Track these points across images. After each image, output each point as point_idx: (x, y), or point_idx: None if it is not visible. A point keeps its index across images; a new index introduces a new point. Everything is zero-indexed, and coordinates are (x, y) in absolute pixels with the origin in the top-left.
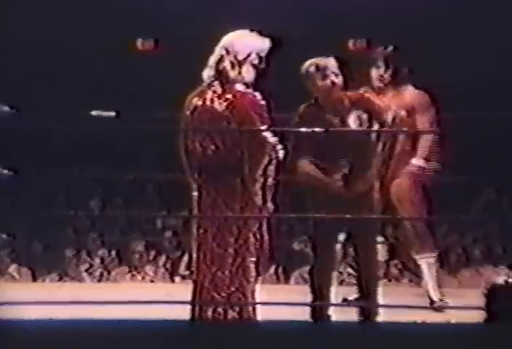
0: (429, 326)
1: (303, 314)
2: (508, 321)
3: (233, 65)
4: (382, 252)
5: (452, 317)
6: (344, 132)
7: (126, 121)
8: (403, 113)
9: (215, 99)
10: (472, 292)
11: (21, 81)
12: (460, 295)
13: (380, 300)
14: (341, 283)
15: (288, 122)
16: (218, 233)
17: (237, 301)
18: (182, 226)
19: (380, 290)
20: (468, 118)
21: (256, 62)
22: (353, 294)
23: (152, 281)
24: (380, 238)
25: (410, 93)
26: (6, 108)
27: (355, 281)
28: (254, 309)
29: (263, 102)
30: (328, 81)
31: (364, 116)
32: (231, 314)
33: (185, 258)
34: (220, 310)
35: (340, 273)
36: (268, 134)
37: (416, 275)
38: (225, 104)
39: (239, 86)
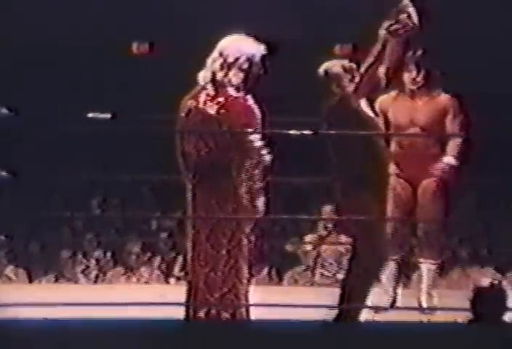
0: (418, 326)
1: (298, 314)
2: (492, 322)
3: (221, 68)
4: None
5: (439, 317)
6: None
7: (121, 123)
8: (436, 117)
9: (208, 101)
10: (458, 294)
11: (19, 83)
12: (447, 296)
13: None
14: None
15: (283, 126)
16: (211, 234)
17: (230, 303)
18: (177, 227)
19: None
20: None
21: (245, 66)
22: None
23: (147, 283)
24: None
25: (443, 97)
26: (4, 110)
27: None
28: (247, 310)
29: (254, 106)
30: (353, 83)
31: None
32: (224, 315)
33: (180, 259)
34: (213, 311)
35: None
36: (254, 138)
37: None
38: (216, 107)
39: (231, 90)
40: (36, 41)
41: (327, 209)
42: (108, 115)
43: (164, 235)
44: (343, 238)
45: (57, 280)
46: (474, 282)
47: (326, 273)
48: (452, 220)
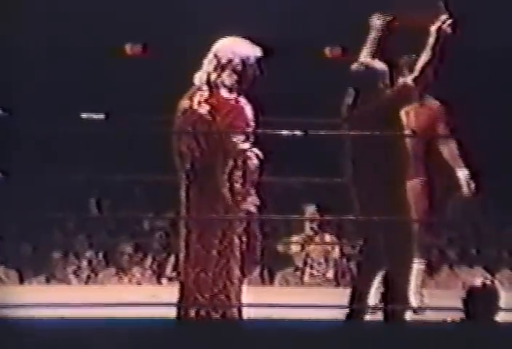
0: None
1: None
2: (484, 321)
3: (215, 69)
4: None
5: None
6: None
7: (114, 124)
8: (427, 121)
9: (202, 102)
10: (449, 293)
11: (12, 83)
12: (437, 296)
13: None
14: None
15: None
16: (203, 234)
17: (221, 303)
18: (170, 228)
19: None
20: None
21: (239, 68)
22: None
23: (139, 283)
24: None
25: (433, 103)
26: None
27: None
28: (239, 310)
29: (246, 107)
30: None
31: None
32: (215, 315)
33: (172, 260)
34: (202, 312)
35: None
36: (239, 140)
37: None
38: (208, 108)
39: (224, 91)
40: (29, 41)
41: (311, 210)
42: (102, 116)
43: (156, 235)
44: (328, 238)
45: (48, 281)
46: (464, 282)
47: (315, 272)
48: (442, 220)
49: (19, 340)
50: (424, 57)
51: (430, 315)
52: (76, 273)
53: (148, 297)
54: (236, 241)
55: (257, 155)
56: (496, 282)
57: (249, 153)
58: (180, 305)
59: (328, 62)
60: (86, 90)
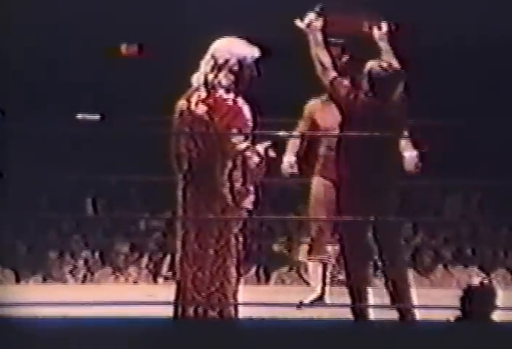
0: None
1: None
2: (480, 320)
3: (212, 69)
4: (302, 252)
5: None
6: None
7: (110, 124)
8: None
9: (199, 103)
10: (445, 292)
11: (6, 84)
12: (433, 295)
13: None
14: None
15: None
16: (199, 233)
17: (218, 302)
18: (166, 228)
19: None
20: (439, 123)
21: (235, 68)
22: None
23: (135, 282)
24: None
25: None
26: None
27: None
28: (235, 309)
29: (244, 108)
30: None
31: None
32: (212, 314)
33: (168, 259)
34: (200, 310)
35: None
36: (237, 140)
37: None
38: (205, 108)
39: (221, 91)
40: (24, 42)
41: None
42: (97, 117)
43: (152, 235)
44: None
45: (45, 280)
46: (459, 281)
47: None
48: (438, 220)
49: (16, 339)
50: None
51: (427, 315)
52: (72, 273)
53: (144, 296)
54: (233, 240)
55: (257, 153)
56: (493, 281)
57: (248, 152)
58: (177, 303)
59: None
60: (81, 91)
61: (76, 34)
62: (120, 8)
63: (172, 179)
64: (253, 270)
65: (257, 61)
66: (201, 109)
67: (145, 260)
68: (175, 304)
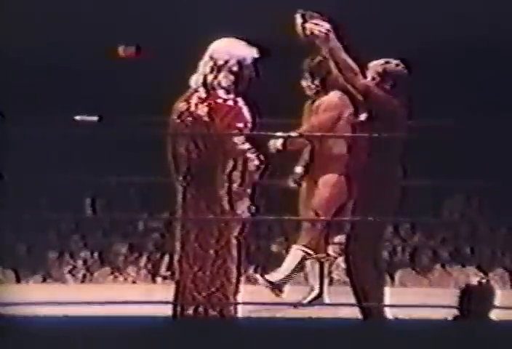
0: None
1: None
2: (478, 319)
3: (212, 70)
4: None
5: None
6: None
7: (109, 125)
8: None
9: (199, 104)
10: (443, 292)
11: (5, 86)
12: (432, 294)
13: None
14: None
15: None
16: (200, 234)
17: (219, 301)
18: (165, 228)
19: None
20: (438, 123)
21: (235, 69)
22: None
23: (134, 282)
24: None
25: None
26: None
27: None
28: (235, 308)
29: (244, 108)
30: None
31: None
32: (212, 313)
33: (167, 259)
34: (200, 309)
35: None
36: (238, 141)
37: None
38: (206, 109)
39: (221, 93)
40: (22, 43)
41: None
42: (95, 118)
43: (150, 235)
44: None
45: (44, 280)
46: (457, 280)
47: (335, 276)
48: (437, 220)
49: (17, 337)
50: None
51: (426, 313)
52: (71, 273)
53: (143, 295)
54: (233, 241)
55: (258, 157)
56: (491, 280)
57: (249, 154)
58: (177, 302)
59: None
60: (80, 92)
61: (73, 35)
62: (120, 9)
63: (172, 180)
64: (251, 269)
65: (255, 61)
66: (202, 110)
67: (143, 260)
68: (174, 303)
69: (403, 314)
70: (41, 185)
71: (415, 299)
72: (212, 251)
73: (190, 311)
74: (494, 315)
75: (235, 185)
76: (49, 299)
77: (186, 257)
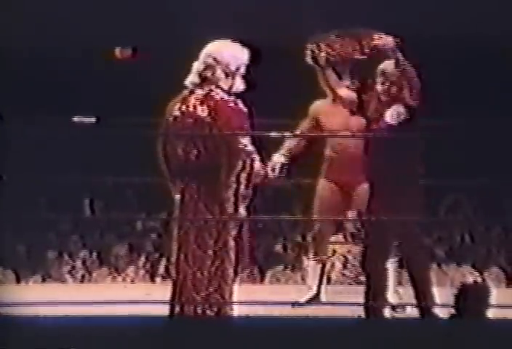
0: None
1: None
2: (474, 317)
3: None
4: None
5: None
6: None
7: (107, 126)
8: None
9: (198, 105)
10: (439, 290)
11: (3, 88)
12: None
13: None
14: None
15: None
16: (198, 235)
17: (216, 301)
18: (162, 228)
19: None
20: (433, 123)
21: (231, 70)
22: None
23: (132, 282)
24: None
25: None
26: None
27: None
28: (232, 309)
29: (245, 110)
30: None
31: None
32: (209, 313)
33: (165, 259)
34: (198, 309)
35: None
36: (245, 142)
37: None
38: (207, 110)
39: (221, 94)
40: (20, 45)
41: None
42: (93, 119)
43: (149, 236)
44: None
45: (44, 280)
46: (453, 279)
47: (347, 273)
48: (431, 219)
49: (17, 337)
50: None
51: (421, 312)
52: (70, 273)
53: (142, 295)
54: (231, 241)
55: (261, 158)
56: (487, 279)
57: (254, 156)
58: (175, 302)
59: None
60: (78, 93)
61: (71, 37)
62: (119, 9)
63: (169, 181)
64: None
65: (251, 63)
66: (203, 111)
67: (142, 260)
68: (172, 303)
69: (399, 313)
70: (41, 186)
71: (411, 298)
72: (210, 252)
73: (189, 311)
74: (490, 313)
75: (242, 187)
76: (48, 299)
77: (184, 257)
